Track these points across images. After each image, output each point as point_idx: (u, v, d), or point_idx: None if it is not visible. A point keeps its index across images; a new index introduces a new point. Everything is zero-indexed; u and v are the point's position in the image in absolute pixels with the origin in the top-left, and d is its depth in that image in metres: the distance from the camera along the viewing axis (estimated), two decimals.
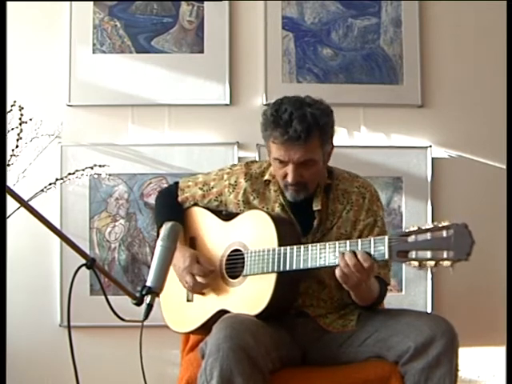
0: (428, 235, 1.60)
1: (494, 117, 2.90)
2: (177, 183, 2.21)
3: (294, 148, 1.87)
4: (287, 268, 1.84)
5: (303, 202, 1.98)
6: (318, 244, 1.82)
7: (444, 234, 1.59)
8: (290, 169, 1.91)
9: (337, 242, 1.78)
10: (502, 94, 2.73)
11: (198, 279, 1.97)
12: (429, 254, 1.59)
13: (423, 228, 1.62)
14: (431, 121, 2.92)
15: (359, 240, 1.75)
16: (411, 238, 1.63)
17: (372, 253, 1.71)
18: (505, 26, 2.72)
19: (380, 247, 1.69)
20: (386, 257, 1.67)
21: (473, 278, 2.86)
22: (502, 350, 2.81)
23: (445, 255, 1.57)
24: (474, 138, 2.91)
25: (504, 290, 2.44)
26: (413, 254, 1.62)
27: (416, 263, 1.61)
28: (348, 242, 1.76)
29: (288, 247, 1.85)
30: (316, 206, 1.98)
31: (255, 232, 1.96)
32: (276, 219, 1.93)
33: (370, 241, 1.72)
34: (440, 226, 1.60)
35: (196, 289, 1.99)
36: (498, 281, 2.76)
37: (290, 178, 1.91)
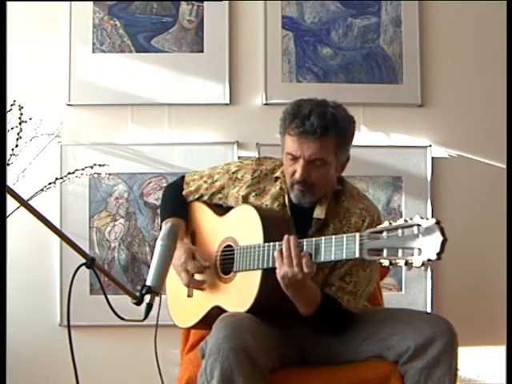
0: (399, 232, 1.52)
1: (494, 116, 2.90)
2: (183, 177, 2.20)
3: (308, 143, 1.84)
4: (270, 265, 1.81)
5: (304, 209, 1.94)
6: (298, 240, 1.77)
7: (414, 231, 1.49)
8: (299, 165, 1.86)
9: (313, 239, 1.74)
10: (502, 94, 2.73)
11: (194, 275, 1.97)
12: (399, 253, 1.50)
13: (394, 225, 1.54)
14: (431, 120, 2.92)
15: (333, 237, 1.70)
16: (382, 235, 1.55)
17: (344, 250, 1.65)
18: (505, 25, 2.72)
19: (351, 245, 1.64)
20: (357, 255, 1.61)
21: (473, 278, 2.86)
22: (501, 350, 2.81)
23: (414, 254, 1.47)
24: (474, 137, 2.91)
25: (504, 290, 2.44)
26: (384, 253, 1.53)
27: (387, 262, 1.53)
28: (323, 238, 1.73)
29: (271, 243, 1.82)
30: (318, 215, 1.93)
31: (244, 227, 1.95)
32: (263, 214, 1.89)
33: (343, 238, 1.67)
34: (410, 222, 1.50)
35: (192, 285, 1.98)
36: (498, 281, 2.76)
37: (297, 174, 1.87)
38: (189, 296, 2.06)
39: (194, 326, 2.04)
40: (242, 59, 2.91)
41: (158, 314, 1.71)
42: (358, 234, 1.63)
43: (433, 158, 2.88)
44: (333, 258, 1.70)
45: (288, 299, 1.84)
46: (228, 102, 2.88)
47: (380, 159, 2.87)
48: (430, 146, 2.88)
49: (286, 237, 1.75)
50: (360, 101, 2.88)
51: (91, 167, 2.65)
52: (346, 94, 2.86)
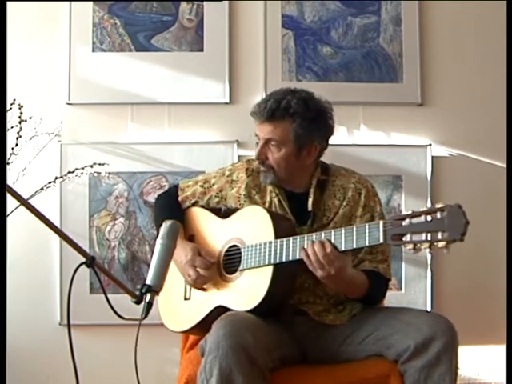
0: (422, 218, 1.61)
1: (494, 115, 2.89)
2: (176, 186, 2.23)
3: (263, 124, 1.99)
4: (283, 259, 1.85)
5: (300, 197, 2.01)
6: (314, 234, 1.82)
7: (438, 215, 1.58)
8: (258, 145, 2.00)
9: (332, 231, 1.79)
10: (502, 93, 2.73)
11: (201, 272, 1.97)
12: (423, 236, 1.60)
13: (418, 211, 1.63)
14: (431, 119, 2.92)
15: (354, 227, 1.76)
16: (406, 222, 1.64)
17: (367, 238, 1.71)
18: (505, 25, 2.72)
19: (374, 232, 1.70)
20: (381, 240, 1.68)
21: (473, 277, 2.86)
22: (501, 349, 2.82)
23: (439, 236, 1.57)
24: (474, 136, 2.91)
25: (504, 289, 2.44)
26: (407, 237, 1.63)
27: (411, 246, 1.62)
28: (343, 229, 1.77)
29: (284, 239, 1.86)
30: (309, 207, 2.00)
31: (252, 227, 1.97)
32: (273, 213, 1.95)
33: (365, 226, 1.73)
34: (434, 208, 1.60)
35: (198, 282, 1.99)
36: (498, 280, 2.76)
37: (255, 154, 2.00)
38: (186, 299, 2.06)
39: (192, 329, 2.03)
40: (242, 58, 2.91)
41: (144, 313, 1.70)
42: (381, 222, 1.70)
43: (433, 157, 2.88)
44: (355, 246, 1.75)
45: (293, 296, 1.92)
46: (228, 100, 2.88)
47: (380, 158, 2.87)
48: (430, 145, 2.88)
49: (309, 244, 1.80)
50: (360, 100, 2.89)
51: (91, 166, 2.65)
52: (345, 93, 2.87)
